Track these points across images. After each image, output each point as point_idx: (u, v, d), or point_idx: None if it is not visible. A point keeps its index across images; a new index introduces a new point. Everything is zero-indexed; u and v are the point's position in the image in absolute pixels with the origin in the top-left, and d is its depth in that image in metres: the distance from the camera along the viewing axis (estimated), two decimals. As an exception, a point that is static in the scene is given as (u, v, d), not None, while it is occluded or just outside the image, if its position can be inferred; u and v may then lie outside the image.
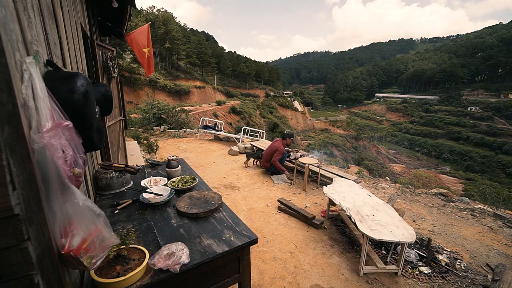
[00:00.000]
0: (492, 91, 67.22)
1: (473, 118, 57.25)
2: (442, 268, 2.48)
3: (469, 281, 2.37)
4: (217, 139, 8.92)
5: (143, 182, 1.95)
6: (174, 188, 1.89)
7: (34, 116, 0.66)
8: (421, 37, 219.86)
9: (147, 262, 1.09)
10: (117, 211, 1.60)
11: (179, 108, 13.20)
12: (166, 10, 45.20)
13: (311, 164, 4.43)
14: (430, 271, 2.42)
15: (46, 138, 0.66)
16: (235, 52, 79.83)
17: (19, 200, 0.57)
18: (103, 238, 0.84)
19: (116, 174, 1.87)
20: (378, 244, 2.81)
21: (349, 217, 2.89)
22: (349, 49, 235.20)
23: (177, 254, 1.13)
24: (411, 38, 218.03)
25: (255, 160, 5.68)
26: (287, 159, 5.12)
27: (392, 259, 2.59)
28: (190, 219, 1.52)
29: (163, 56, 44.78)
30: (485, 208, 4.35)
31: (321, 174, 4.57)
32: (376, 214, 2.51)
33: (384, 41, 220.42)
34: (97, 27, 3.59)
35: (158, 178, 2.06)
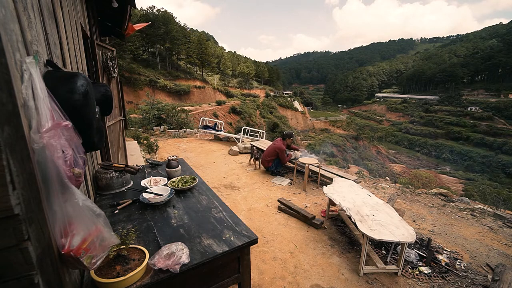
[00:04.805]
0: (492, 91, 67.06)
1: (473, 118, 57.12)
2: (442, 268, 2.48)
3: (469, 281, 2.37)
4: (217, 139, 8.92)
5: (143, 182, 1.95)
6: (174, 188, 1.89)
7: (34, 116, 0.66)
8: (421, 37, 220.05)
9: (147, 262, 1.09)
10: (117, 211, 1.60)
11: (179, 108, 13.22)
12: (166, 10, 45.18)
13: (311, 164, 4.43)
14: (430, 271, 2.42)
15: (46, 138, 0.66)
16: (235, 52, 79.83)
17: (19, 200, 0.57)
18: (103, 238, 0.84)
19: (116, 174, 1.87)
20: (378, 244, 2.81)
21: (349, 217, 2.89)
22: (349, 49, 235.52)
23: (177, 254, 1.13)
24: (411, 38, 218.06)
25: (252, 160, 5.68)
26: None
27: (392, 259, 2.59)
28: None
29: (163, 56, 44.75)
30: (485, 208, 4.35)
31: (321, 174, 4.57)
32: (376, 214, 2.51)
33: (384, 41, 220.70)
34: (97, 27, 3.58)
35: (158, 178, 2.06)
